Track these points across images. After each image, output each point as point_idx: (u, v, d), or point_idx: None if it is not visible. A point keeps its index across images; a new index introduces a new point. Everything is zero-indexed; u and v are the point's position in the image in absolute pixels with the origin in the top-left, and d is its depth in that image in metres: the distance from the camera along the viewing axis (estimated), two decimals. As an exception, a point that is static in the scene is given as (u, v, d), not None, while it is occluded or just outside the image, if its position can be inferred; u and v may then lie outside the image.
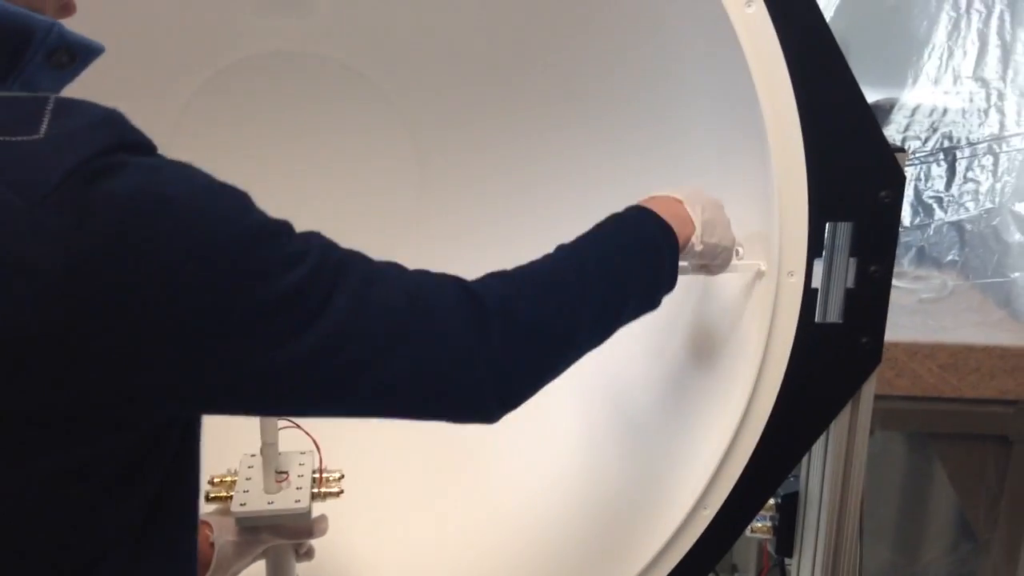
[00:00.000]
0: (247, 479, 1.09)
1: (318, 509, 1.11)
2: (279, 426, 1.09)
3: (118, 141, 0.63)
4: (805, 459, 1.24)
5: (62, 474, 0.63)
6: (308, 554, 1.16)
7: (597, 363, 1.43)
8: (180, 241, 0.62)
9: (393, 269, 0.77)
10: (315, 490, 1.10)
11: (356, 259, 0.75)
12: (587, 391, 1.40)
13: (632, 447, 1.32)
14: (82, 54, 0.71)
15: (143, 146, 0.66)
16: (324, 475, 1.12)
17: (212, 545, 1.05)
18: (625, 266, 0.92)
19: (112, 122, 0.65)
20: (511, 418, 1.46)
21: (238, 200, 0.68)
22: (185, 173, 0.66)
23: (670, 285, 0.98)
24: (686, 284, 1.31)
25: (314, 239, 0.72)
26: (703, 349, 1.26)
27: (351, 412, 0.74)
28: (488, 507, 1.41)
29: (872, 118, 1.09)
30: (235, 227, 0.65)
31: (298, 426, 1.10)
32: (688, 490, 1.16)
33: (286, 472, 1.09)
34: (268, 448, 1.06)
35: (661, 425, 1.29)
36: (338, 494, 1.12)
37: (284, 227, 0.70)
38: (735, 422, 1.13)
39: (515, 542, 1.35)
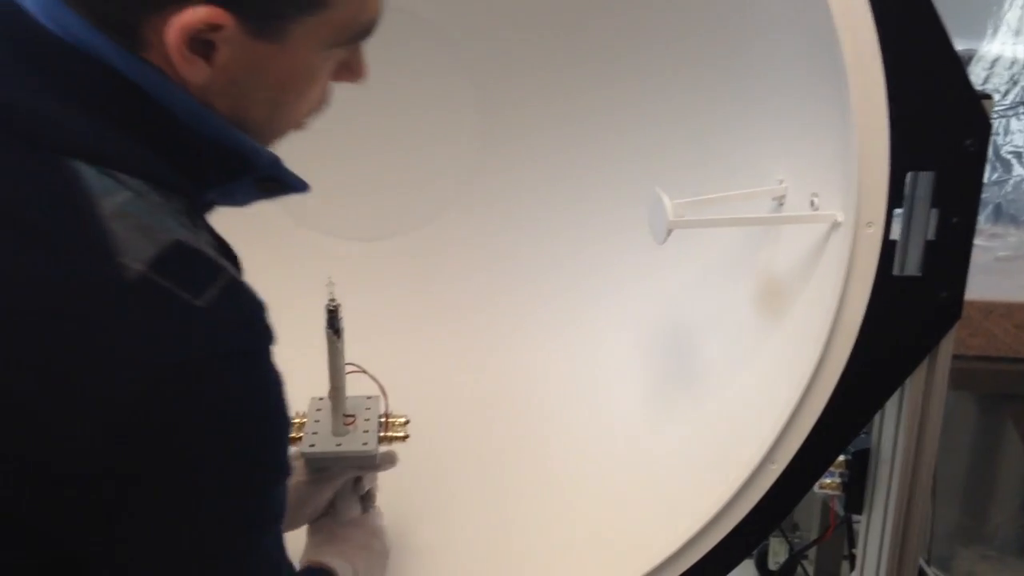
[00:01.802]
0: (316, 421, 1.10)
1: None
2: (346, 371, 1.09)
3: (248, 347, 0.66)
4: (878, 415, 1.21)
5: None
6: (369, 498, 1.16)
7: (658, 315, 1.42)
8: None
9: None
10: (381, 434, 1.10)
11: None
12: (648, 343, 1.39)
13: (696, 400, 1.30)
14: (289, 188, 0.76)
15: (263, 352, 0.68)
16: (390, 419, 1.12)
17: None
18: None
19: (255, 323, 0.67)
20: (572, 370, 1.46)
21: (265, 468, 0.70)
22: (272, 422, 0.69)
23: None
24: (757, 235, 1.29)
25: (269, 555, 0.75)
26: (774, 301, 1.23)
27: None
28: (549, 460, 1.41)
29: (958, 62, 1.05)
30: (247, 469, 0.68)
31: (364, 371, 1.10)
32: (756, 444, 1.14)
33: (353, 415, 1.10)
34: (336, 392, 1.07)
35: (727, 378, 1.26)
36: (404, 438, 1.12)
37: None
38: (807, 376, 1.10)
39: (577, 495, 1.35)
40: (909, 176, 1.05)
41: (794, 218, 1.16)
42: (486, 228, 1.49)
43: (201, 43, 0.64)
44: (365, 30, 0.73)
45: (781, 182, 1.21)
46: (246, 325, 0.66)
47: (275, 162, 0.72)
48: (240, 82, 0.68)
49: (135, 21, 0.63)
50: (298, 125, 0.78)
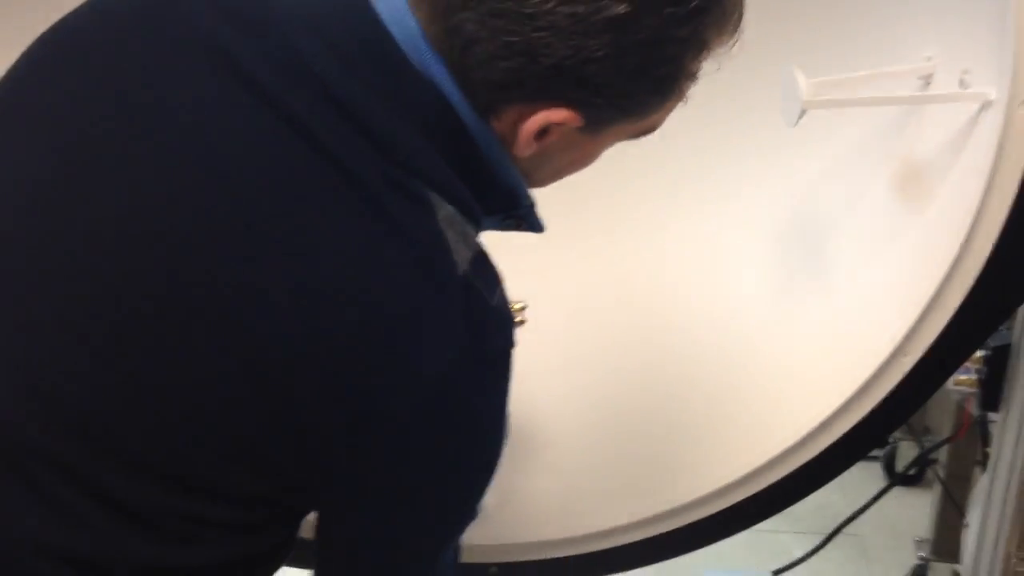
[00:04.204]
0: None
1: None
2: None
3: (510, 348, 0.75)
4: (1021, 309, 1.15)
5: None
6: None
7: (789, 202, 1.37)
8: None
9: None
10: None
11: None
12: (778, 231, 1.34)
13: (826, 290, 1.25)
14: (529, 227, 0.83)
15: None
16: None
17: None
18: None
19: (513, 330, 0.76)
20: (697, 257, 1.42)
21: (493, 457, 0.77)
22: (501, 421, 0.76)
23: None
24: (898, 118, 1.21)
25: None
26: (913, 188, 1.17)
27: None
28: (672, 347, 1.39)
29: None
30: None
31: None
32: (887, 335, 1.09)
33: None
34: None
35: (859, 266, 1.21)
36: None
37: None
38: (945, 265, 1.04)
39: (698, 383, 1.33)
40: (1073, 48, 0.96)
41: (939, 97, 1.08)
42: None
43: (542, 130, 0.72)
44: (652, 129, 0.80)
45: (929, 59, 1.13)
46: (511, 328, 0.76)
47: (533, 206, 0.81)
48: (549, 155, 0.77)
49: (503, 107, 0.71)
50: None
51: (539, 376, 1.38)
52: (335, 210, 0.67)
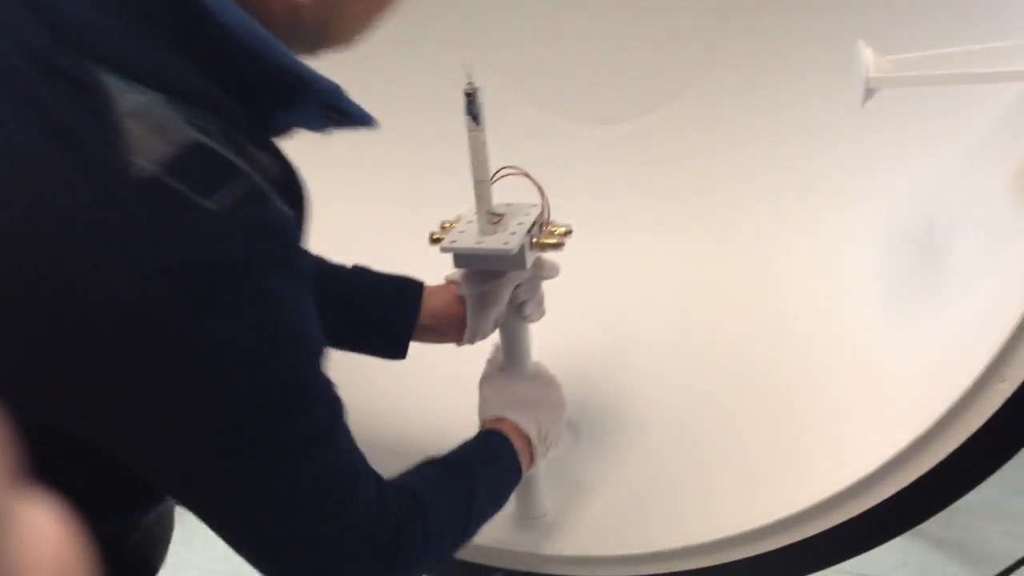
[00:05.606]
0: (468, 223, 1.03)
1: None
2: (498, 173, 1.01)
3: (266, 257, 0.63)
4: None
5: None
6: (534, 310, 1.10)
7: (904, 206, 1.21)
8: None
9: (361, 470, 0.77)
10: (534, 239, 1.02)
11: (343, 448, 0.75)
12: (895, 233, 1.20)
13: (934, 305, 1.08)
14: (354, 120, 0.71)
15: (283, 266, 0.65)
16: (549, 227, 1.04)
17: (461, 300, 1.07)
18: (492, 507, 0.96)
19: (275, 234, 0.64)
20: (806, 262, 1.29)
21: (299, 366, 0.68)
22: (289, 334, 0.66)
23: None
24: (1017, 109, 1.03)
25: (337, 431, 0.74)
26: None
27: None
28: (768, 351, 1.27)
29: None
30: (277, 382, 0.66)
31: (527, 175, 1.01)
32: (983, 354, 0.92)
33: (501, 215, 1.02)
34: (479, 186, 0.99)
35: (974, 279, 1.03)
36: (556, 246, 1.02)
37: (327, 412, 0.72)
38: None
39: (786, 395, 1.21)
40: None
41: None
42: (723, 110, 1.35)
43: None
44: None
45: (1044, 34, 0.96)
46: (260, 235, 0.63)
47: (335, 91, 0.69)
48: None
49: None
50: (370, 28, 0.75)
51: (638, 378, 1.31)
52: None
